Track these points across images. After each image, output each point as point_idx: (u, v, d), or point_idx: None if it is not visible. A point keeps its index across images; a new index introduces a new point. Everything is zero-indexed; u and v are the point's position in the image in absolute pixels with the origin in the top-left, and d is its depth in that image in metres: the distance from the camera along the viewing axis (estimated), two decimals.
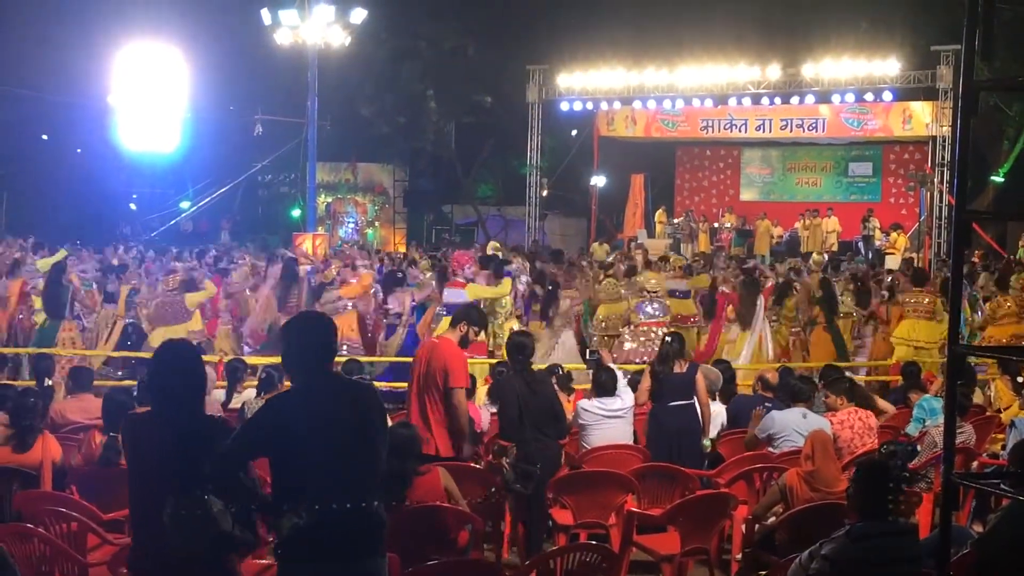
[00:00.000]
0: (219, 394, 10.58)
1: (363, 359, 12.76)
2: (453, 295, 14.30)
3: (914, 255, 28.53)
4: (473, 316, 8.83)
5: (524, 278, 17.40)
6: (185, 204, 35.82)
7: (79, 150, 37.03)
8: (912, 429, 10.18)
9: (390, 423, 8.74)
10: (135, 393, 9.22)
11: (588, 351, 14.06)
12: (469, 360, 9.97)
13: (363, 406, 5.13)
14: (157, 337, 13.81)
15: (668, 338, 10.06)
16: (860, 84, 29.46)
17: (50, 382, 10.38)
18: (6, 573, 4.59)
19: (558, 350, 14.92)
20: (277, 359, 10.38)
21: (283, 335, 5.36)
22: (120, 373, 14.75)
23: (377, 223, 37.98)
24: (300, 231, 28.22)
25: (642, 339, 15.06)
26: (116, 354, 15.18)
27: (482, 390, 10.99)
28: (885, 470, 5.76)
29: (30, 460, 7.79)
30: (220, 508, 4.93)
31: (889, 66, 29.03)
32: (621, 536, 8.08)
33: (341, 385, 5.31)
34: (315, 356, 5.15)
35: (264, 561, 6.78)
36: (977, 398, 11.64)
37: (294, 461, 4.92)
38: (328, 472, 4.91)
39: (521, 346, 8.62)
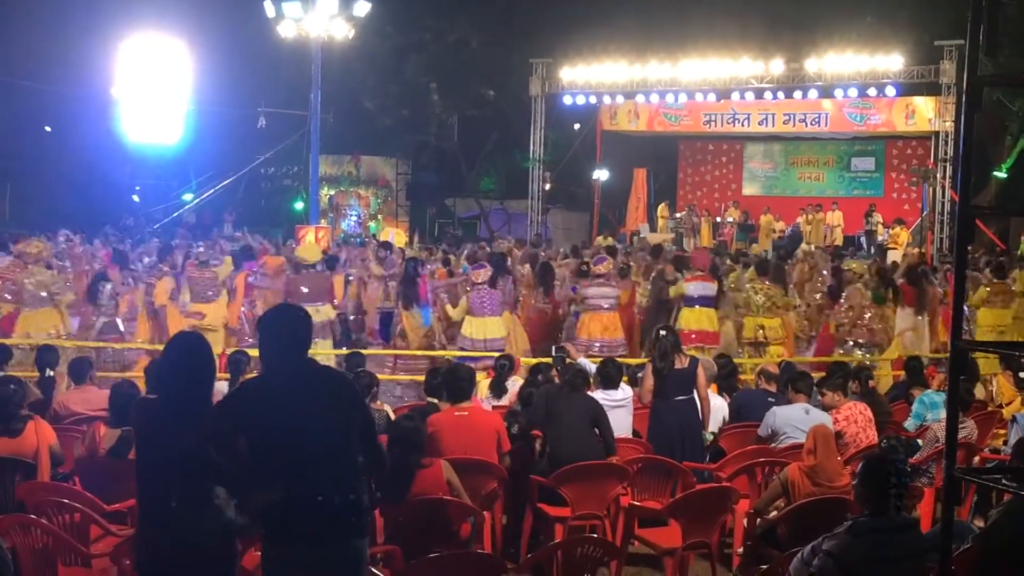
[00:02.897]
0: (222, 386, 10.58)
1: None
2: (702, 288, 15.04)
3: (916, 250, 28.53)
4: None
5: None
6: (188, 196, 35.79)
7: (82, 142, 37.04)
8: (911, 425, 10.19)
9: (393, 417, 8.81)
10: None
11: (554, 346, 14.17)
12: None
13: (337, 395, 5.26)
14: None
15: (663, 332, 10.05)
16: (863, 79, 29.42)
17: (52, 373, 10.38)
18: (3, 568, 4.62)
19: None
20: None
21: (258, 326, 5.48)
22: None
23: (380, 216, 37.96)
24: (303, 224, 28.23)
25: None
26: None
27: (484, 383, 10.99)
28: (890, 466, 5.76)
29: (27, 448, 7.78)
30: (223, 497, 5.03)
31: (892, 61, 29.01)
32: (623, 529, 8.10)
33: (313, 373, 5.37)
34: (286, 346, 5.28)
35: None
36: (979, 393, 11.65)
37: (263, 444, 5.08)
38: (298, 456, 5.05)
39: (582, 370, 9.11)
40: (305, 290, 14.62)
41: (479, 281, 14.74)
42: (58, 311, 14.19)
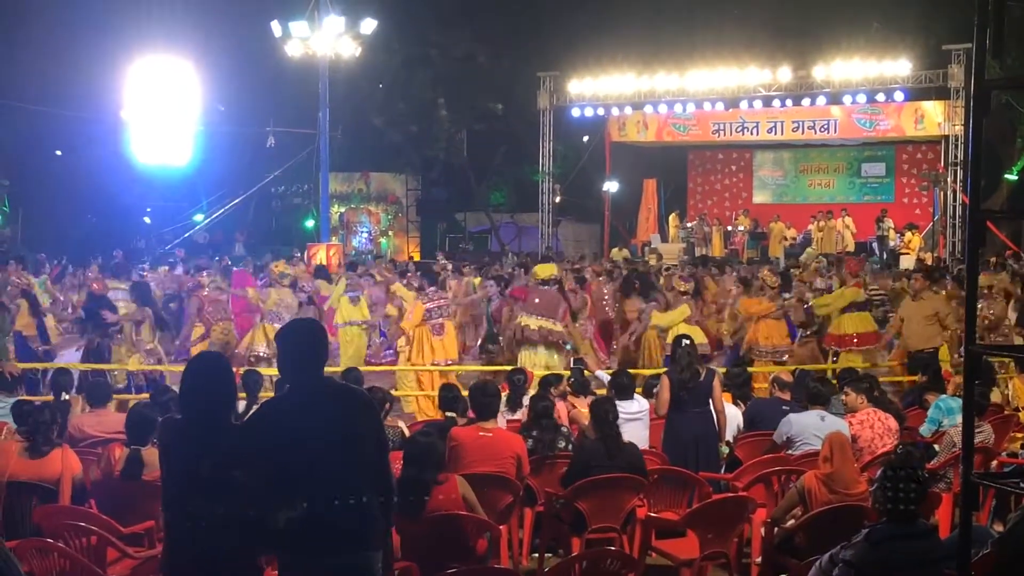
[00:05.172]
0: (238, 405, 10.58)
1: None
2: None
3: (929, 255, 28.48)
4: None
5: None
6: (199, 217, 35.91)
7: (92, 165, 37.21)
8: (926, 430, 10.13)
9: (408, 433, 8.80)
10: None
11: (573, 358, 14.16)
12: None
13: (353, 409, 5.31)
14: None
15: (687, 342, 10.02)
16: (871, 85, 29.43)
17: (67, 396, 10.40)
18: (8, 566, 4.61)
19: None
20: None
21: (277, 341, 5.50)
22: None
23: (391, 232, 38.05)
24: (314, 242, 28.30)
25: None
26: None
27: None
28: (908, 472, 5.73)
29: (49, 473, 7.79)
30: (245, 515, 5.06)
31: (900, 66, 29.01)
32: (640, 541, 8.08)
33: (332, 389, 5.42)
34: (305, 361, 5.32)
35: None
36: (995, 397, 11.60)
37: (283, 463, 5.12)
38: (318, 469, 5.09)
39: (605, 413, 8.59)
40: (538, 302, 14.82)
41: (683, 291, 15.29)
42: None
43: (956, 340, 14.34)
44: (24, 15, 31.40)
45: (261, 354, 14.82)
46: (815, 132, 32.80)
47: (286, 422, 5.18)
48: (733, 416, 10.23)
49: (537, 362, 13.88)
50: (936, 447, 9.38)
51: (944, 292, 16.43)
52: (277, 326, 14.57)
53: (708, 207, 37.45)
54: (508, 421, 9.92)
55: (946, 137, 29.94)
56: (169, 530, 5.36)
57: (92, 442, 9.10)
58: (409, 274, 19.16)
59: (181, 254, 25.74)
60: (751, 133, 33.76)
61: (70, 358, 14.75)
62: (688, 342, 9.97)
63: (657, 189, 36.82)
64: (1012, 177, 31.18)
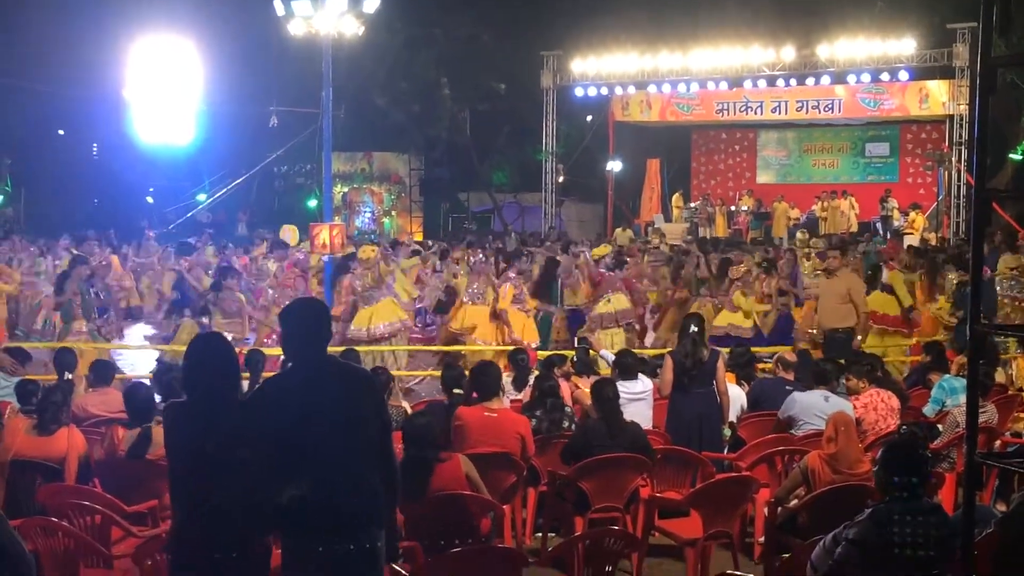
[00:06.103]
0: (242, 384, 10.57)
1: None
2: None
3: (933, 235, 28.45)
4: None
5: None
6: (202, 196, 35.89)
7: (95, 144, 37.21)
8: (929, 410, 10.12)
9: (410, 412, 8.81)
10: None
11: (577, 337, 14.16)
12: None
13: (356, 389, 5.31)
14: None
15: (693, 326, 9.99)
16: (876, 64, 29.33)
17: (70, 376, 10.41)
18: (11, 544, 4.60)
19: None
20: None
21: (281, 320, 5.48)
22: None
23: (394, 212, 38.02)
24: (317, 221, 28.26)
25: None
26: None
27: (506, 379, 10.93)
28: (911, 451, 5.73)
29: (55, 452, 7.80)
30: (249, 495, 5.06)
31: (905, 45, 28.92)
32: (643, 521, 8.08)
33: (335, 368, 5.41)
34: (309, 338, 5.32)
35: None
36: (999, 377, 11.58)
37: (285, 441, 5.11)
38: (320, 448, 5.08)
39: (606, 393, 8.57)
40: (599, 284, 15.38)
41: (736, 277, 15.61)
42: (398, 304, 15.12)
43: (864, 320, 14.25)
44: None
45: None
46: (819, 112, 32.69)
47: (288, 399, 5.16)
48: (736, 397, 10.23)
49: (616, 342, 14.19)
50: (939, 427, 9.38)
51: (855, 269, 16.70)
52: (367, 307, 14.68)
53: (712, 187, 37.40)
54: (512, 401, 9.92)
55: (951, 116, 29.86)
56: (175, 510, 5.36)
57: (96, 421, 9.12)
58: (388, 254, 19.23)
59: (152, 235, 25.50)
60: (755, 113, 33.65)
61: None
62: (696, 329, 9.94)
63: (661, 169, 36.76)
64: (1017, 156, 31.11)
